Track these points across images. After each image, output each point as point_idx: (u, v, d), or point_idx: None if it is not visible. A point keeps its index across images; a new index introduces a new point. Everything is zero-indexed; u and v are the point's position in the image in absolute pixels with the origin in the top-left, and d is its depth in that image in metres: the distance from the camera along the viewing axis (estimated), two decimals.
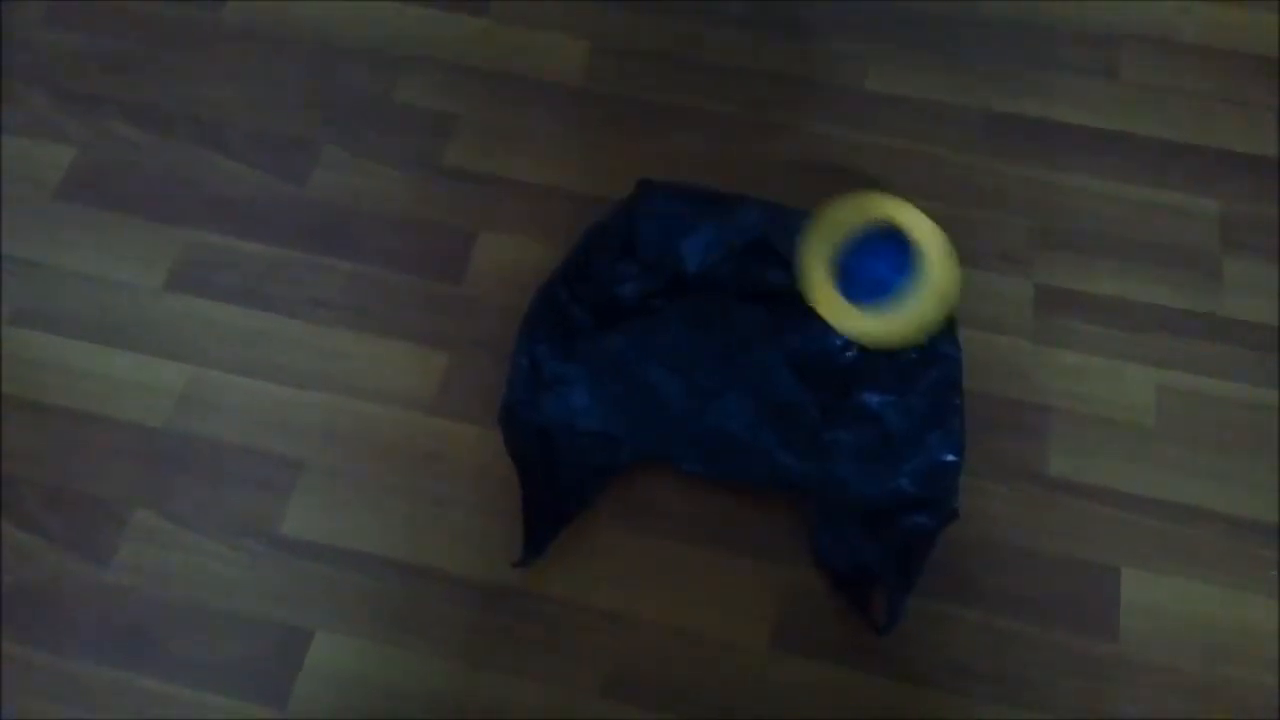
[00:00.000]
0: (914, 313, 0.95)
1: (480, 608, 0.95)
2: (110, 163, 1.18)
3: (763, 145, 1.20)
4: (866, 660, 0.93)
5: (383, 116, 1.21)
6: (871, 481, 0.98)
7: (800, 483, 0.98)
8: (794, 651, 0.94)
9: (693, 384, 1.01)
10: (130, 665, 0.93)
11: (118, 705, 0.91)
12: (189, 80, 1.24)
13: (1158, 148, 1.20)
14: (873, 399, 1.01)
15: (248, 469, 1.01)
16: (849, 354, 1.03)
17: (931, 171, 1.18)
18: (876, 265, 0.96)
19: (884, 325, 0.95)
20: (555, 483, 0.99)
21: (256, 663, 0.93)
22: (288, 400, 1.04)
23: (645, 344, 1.03)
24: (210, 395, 1.05)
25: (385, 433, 1.03)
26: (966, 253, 1.12)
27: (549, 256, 1.10)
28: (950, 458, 0.98)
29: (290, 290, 1.10)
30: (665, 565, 0.97)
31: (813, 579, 0.96)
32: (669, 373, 1.02)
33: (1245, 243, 1.14)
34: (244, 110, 1.22)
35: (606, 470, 0.99)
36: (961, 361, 1.03)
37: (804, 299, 0.99)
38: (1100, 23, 1.29)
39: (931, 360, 1.02)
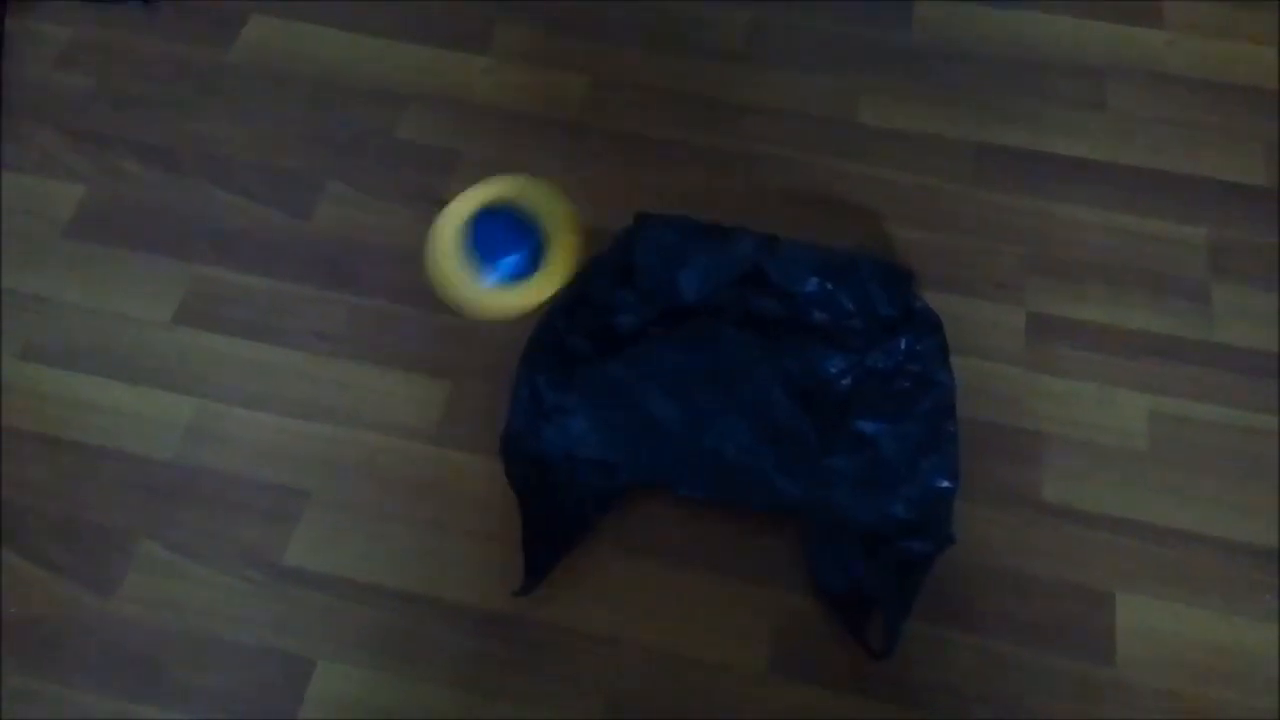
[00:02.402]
0: (549, 274, 1.02)
1: (481, 635, 0.96)
2: (119, 200, 1.21)
3: (757, 178, 1.22)
4: (863, 685, 0.94)
5: (386, 152, 1.24)
6: (867, 507, 0.99)
7: (797, 508, 0.99)
8: (791, 676, 0.94)
9: (690, 411, 1.03)
10: (134, 695, 0.94)
11: None
12: (196, 118, 1.26)
13: (1146, 177, 1.22)
14: (868, 425, 1.02)
15: (252, 500, 1.02)
16: (845, 381, 1.04)
17: (923, 202, 1.20)
18: (501, 249, 1.03)
19: (534, 290, 1.01)
20: (556, 511, 1.00)
21: (260, 692, 0.94)
22: (292, 431, 1.06)
23: (643, 372, 1.05)
24: (216, 427, 1.06)
25: (388, 463, 1.04)
26: (959, 281, 1.14)
27: None
28: (945, 484, 0.99)
29: (295, 323, 1.12)
30: (664, 591, 0.98)
31: (810, 604, 0.97)
32: (667, 400, 1.03)
33: (1233, 269, 1.15)
34: (249, 147, 1.24)
35: (606, 497, 1.00)
36: (955, 389, 1.04)
37: (792, 327, 1.01)
38: (1089, 55, 1.31)
39: (926, 387, 1.04)
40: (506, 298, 0.98)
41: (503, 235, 0.99)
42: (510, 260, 1.00)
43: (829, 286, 1.07)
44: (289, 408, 1.07)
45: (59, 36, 1.33)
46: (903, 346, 1.05)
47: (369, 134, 1.25)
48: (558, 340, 1.06)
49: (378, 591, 0.98)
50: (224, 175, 1.22)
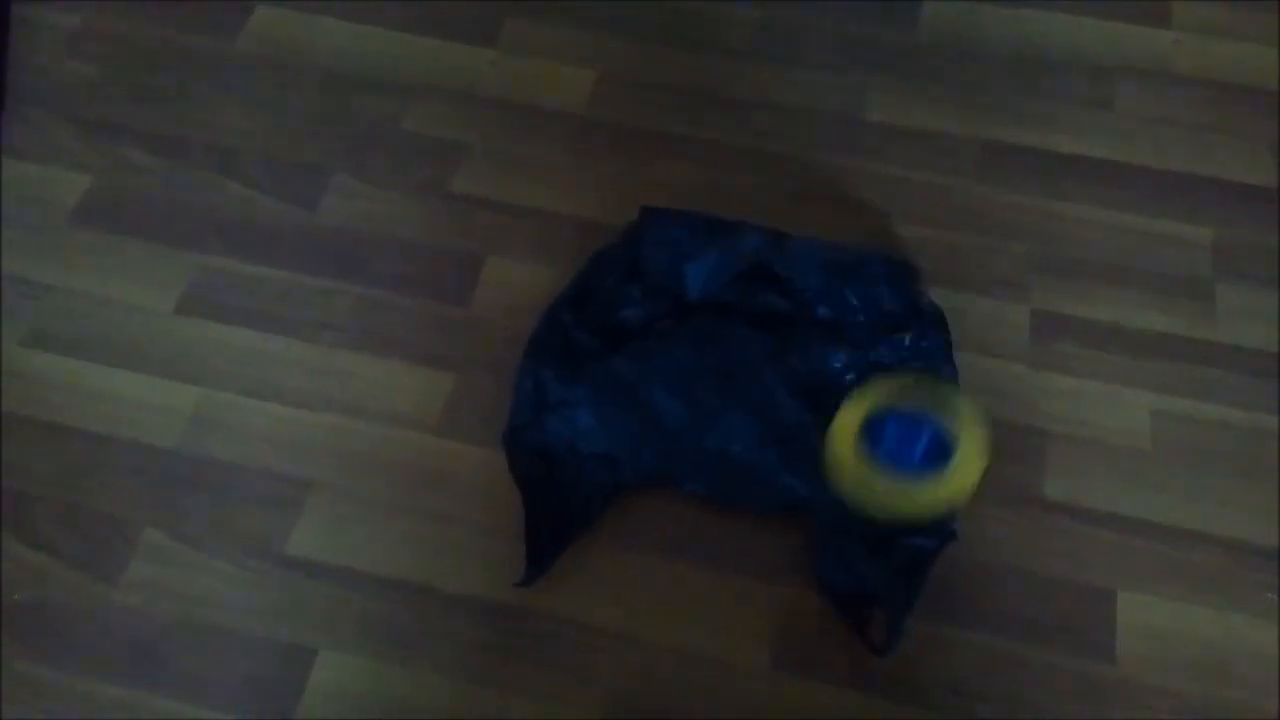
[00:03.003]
0: (932, 497, 0.90)
1: (483, 627, 0.96)
2: (124, 188, 1.21)
3: (764, 173, 1.22)
4: (866, 681, 0.94)
5: (392, 144, 1.24)
6: None
7: (801, 504, 0.99)
8: (794, 672, 0.94)
9: (695, 406, 1.03)
10: (137, 683, 0.94)
11: None
12: (203, 108, 1.26)
13: (1153, 177, 1.22)
14: None
15: (255, 489, 1.02)
16: (850, 377, 1.04)
17: (930, 199, 1.20)
18: (909, 445, 0.90)
19: (899, 500, 0.90)
20: (558, 504, 1.00)
21: (262, 681, 0.94)
22: (296, 421, 1.06)
23: (648, 367, 1.05)
24: (220, 416, 1.06)
25: (391, 453, 1.04)
26: (965, 279, 1.15)
27: (554, 281, 1.12)
28: None
29: (300, 313, 1.12)
30: (667, 586, 0.98)
31: (813, 600, 0.97)
32: (672, 395, 1.03)
33: (1238, 270, 1.15)
34: (256, 137, 1.24)
35: (609, 491, 1.01)
36: (960, 385, 1.04)
37: (798, 323, 0.98)
38: (1096, 55, 1.31)
39: None
40: (916, 495, 0.91)
41: (902, 432, 0.92)
42: (913, 457, 0.89)
43: (835, 282, 1.07)
44: (293, 397, 1.07)
45: (67, 24, 1.33)
46: (908, 343, 1.05)
47: (376, 125, 1.25)
48: (563, 334, 1.06)
49: (380, 582, 0.98)
50: (230, 165, 1.22)
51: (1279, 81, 1.29)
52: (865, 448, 0.90)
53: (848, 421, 0.91)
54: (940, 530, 0.98)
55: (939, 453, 0.89)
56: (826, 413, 1.02)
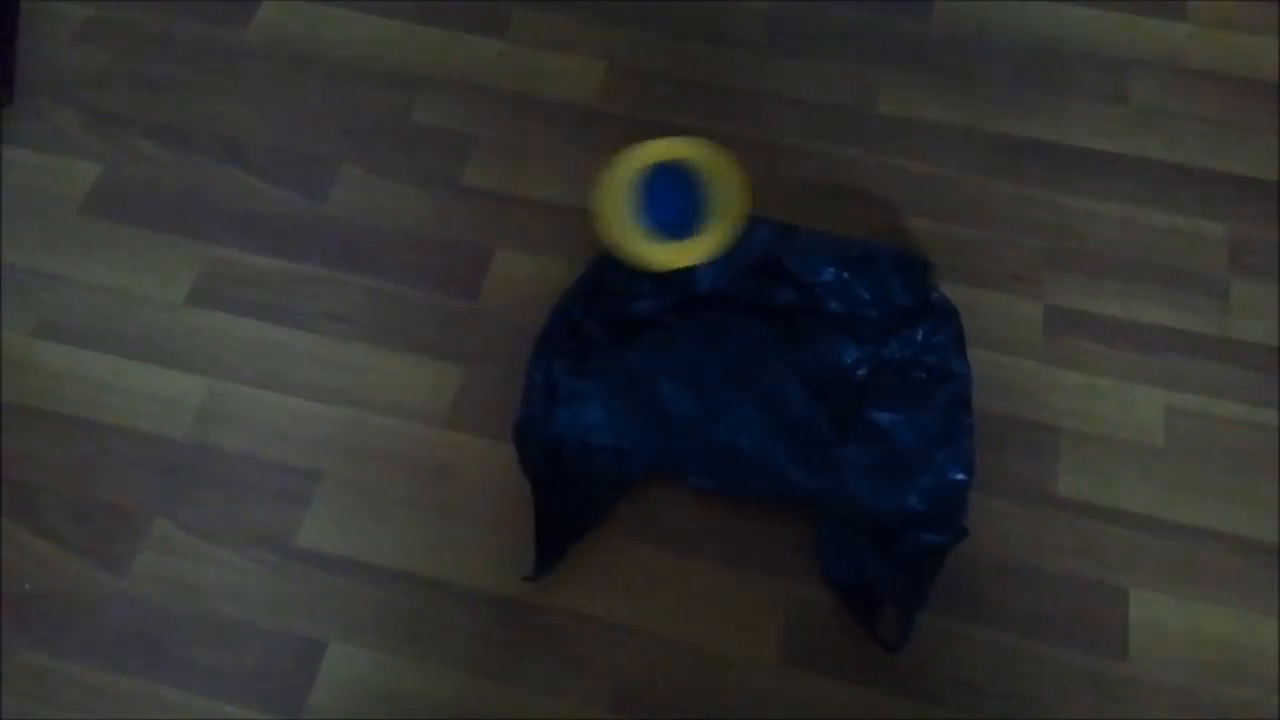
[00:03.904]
0: (715, 231, 0.99)
1: (492, 621, 0.96)
2: (134, 179, 1.20)
3: (775, 167, 1.21)
4: (875, 677, 0.93)
5: (401, 136, 1.23)
6: (881, 498, 0.98)
7: (810, 498, 0.99)
8: (803, 667, 0.94)
9: (705, 399, 1.02)
10: (146, 674, 0.94)
11: (133, 713, 0.92)
12: (212, 99, 1.26)
13: (1167, 171, 1.21)
14: (883, 416, 1.01)
15: (264, 481, 1.02)
16: (860, 371, 1.04)
17: (943, 193, 1.19)
18: (669, 207, 1.01)
19: (699, 247, 0.99)
20: (568, 498, 1.00)
21: (271, 673, 0.94)
22: (304, 413, 1.06)
23: (658, 360, 1.04)
24: (229, 408, 1.06)
25: (400, 446, 1.04)
26: (977, 273, 1.14)
27: (564, 274, 1.11)
28: (960, 476, 0.99)
29: (308, 305, 1.12)
30: (676, 580, 0.98)
31: (822, 595, 0.97)
32: (681, 388, 1.03)
33: (1253, 266, 1.15)
34: (265, 129, 1.24)
35: (619, 485, 1.00)
36: (972, 381, 1.04)
37: (808, 317, 1.00)
38: (1111, 48, 1.30)
39: (942, 379, 1.03)
40: (663, 252, 0.99)
41: (672, 193, 1.01)
42: (674, 217, 1.00)
43: (846, 276, 1.06)
44: (301, 389, 1.07)
45: (76, 15, 1.33)
46: (919, 338, 1.04)
47: (384, 117, 1.25)
48: (573, 326, 1.06)
49: (389, 574, 0.98)
50: (239, 156, 1.22)
51: None
52: (631, 205, 1.00)
53: (616, 180, 1.01)
54: (951, 526, 0.97)
55: (696, 208, 1.00)
56: (836, 406, 1.02)
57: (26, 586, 0.97)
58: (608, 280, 1.08)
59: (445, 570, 0.98)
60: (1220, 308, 1.12)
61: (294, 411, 1.06)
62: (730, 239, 0.99)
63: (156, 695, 0.93)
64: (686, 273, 1.08)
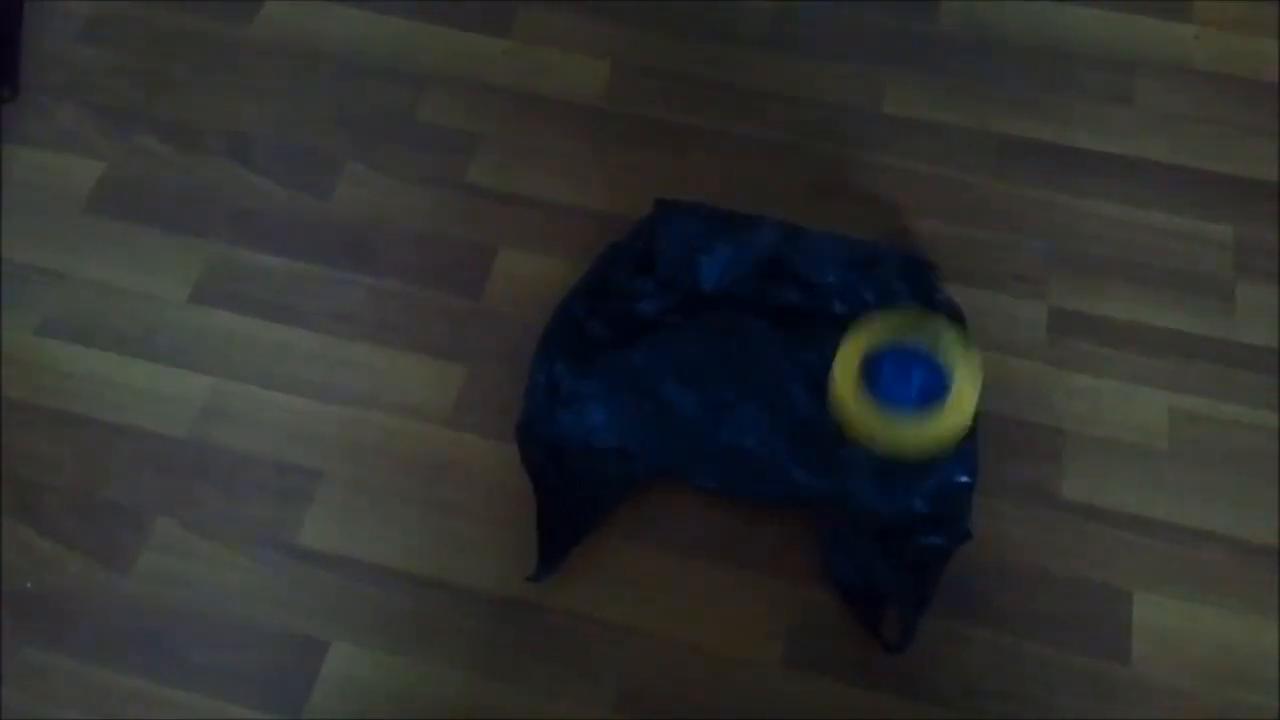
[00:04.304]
0: (935, 430, 0.94)
1: (495, 621, 0.96)
2: (138, 177, 1.20)
3: (779, 166, 1.21)
4: (878, 679, 0.93)
5: (405, 134, 1.23)
6: (885, 500, 0.98)
7: (814, 500, 0.99)
8: (806, 669, 0.94)
9: (708, 400, 1.02)
10: (148, 672, 0.94)
11: (134, 712, 0.92)
12: (216, 96, 1.26)
13: (1171, 173, 1.21)
14: None
15: (268, 480, 1.02)
16: None
17: (947, 194, 1.19)
18: (905, 382, 0.96)
19: (904, 435, 0.94)
20: (571, 498, 1.00)
21: (273, 672, 0.94)
22: (308, 412, 1.06)
23: (662, 360, 1.04)
24: (232, 406, 1.06)
25: (403, 445, 1.04)
26: (981, 275, 1.14)
27: (568, 273, 1.11)
28: (963, 478, 0.99)
29: (312, 303, 1.12)
30: (679, 581, 0.98)
31: (825, 597, 0.97)
32: (685, 389, 1.03)
33: (1258, 268, 1.14)
34: (269, 126, 1.24)
35: (622, 486, 1.00)
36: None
37: (813, 318, 1.00)
38: (1116, 49, 1.30)
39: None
40: (918, 429, 0.95)
41: (898, 370, 0.97)
42: (910, 394, 0.95)
43: (850, 277, 1.06)
44: (305, 388, 1.07)
45: (80, 12, 1.32)
46: None
47: (389, 115, 1.25)
48: (576, 326, 1.06)
49: (392, 574, 0.98)
50: (243, 154, 1.22)
51: None
52: (864, 388, 0.94)
53: (846, 362, 0.96)
54: (954, 528, 0.97)
55: (935, 385, 0.94)
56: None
57: (28, 585, 0.97)
58: (611, 280, 1.08)
59: (448, 570, 0.98)
60: (1224, 310, 1.12)
61: (297, 410, 1.06)
62: (956, 436, 0.94)
63: (158, 693, 0.93)
64: (690, 273, 1.08)
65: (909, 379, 0.95)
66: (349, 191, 1.19)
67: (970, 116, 1.24)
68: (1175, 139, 1.23)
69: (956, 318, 1.05)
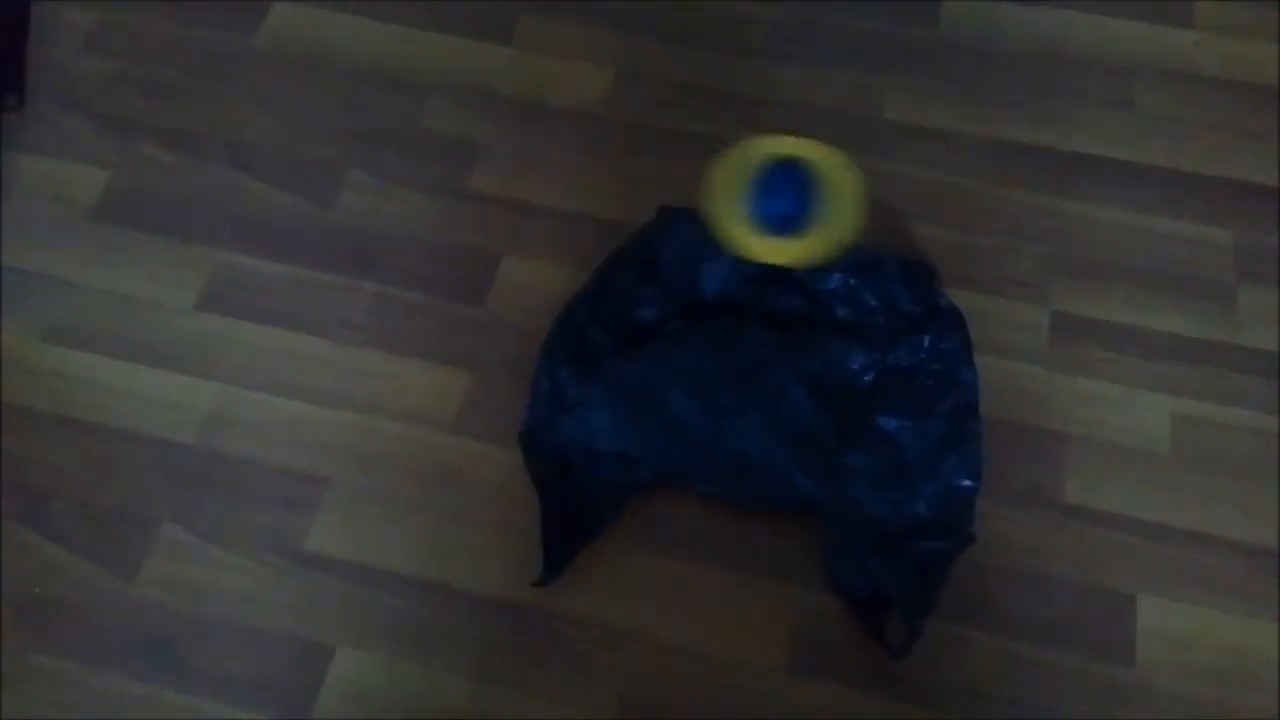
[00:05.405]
0: (828, 230, 1.01)
1: (499, 626, 0.96)
2: (143, 185, 1.21)
3: None
4: (882, 683, 0.94)
5: (409, 142, 1.24)
6: (888, 505, 0.99)
7: (816, 505, 0.99)
8: (810, 674, 0.94)
9: (711, 406, 1.03)
10: (154, 678, 0.94)
11: (141, 717, 0.93)
12: (221, 105, 1.27)
13: (1173, 178, 1.21)
14: (890, 423, 1.02)
15: (273, 486, 1.03)
16: (867, 378, 1.04)
17: (949, 200, 1.19)
18: (780, 200, 1.02)
19: (803, 248, 1.00)
20: (575, 504, 1.00)
21: (279, 678, 0.94)
22: (313, 418, 1.06)
23: (664, 367, 1.05)
24: (238, 413, 1.06)
25: (407, 452, 1.05)
26: (983, 280, 1.14)
27: (571, 280, 1.11)
28: (967, 483, 0.99)
29: (317, 311, 1.12)
30: (682, 586, 0.98)
31: (829, 602, 0.97)
32: (687, 395, 1.03)
33: (1259, 273, 1.15)
34: (274, 134, 1.24)
35: (625, 492, 1.00)
36: (978, 387, 1.04)
37: (814, 324, 1.01)
38: (1117, 55, 1.30)
39: (949, 385, 1.03)
40: (764, 245, 1.00)
41: (785, 189, 1.01)
42: (782, 213, 1.01)
43: (852, 283, 1.07)
44: (310, 395, 1.07)
45: (85, 22, 1.33)
46: (926, 344, 1.04)
47: (393, 123, 1.25)
48: (579, 333, 1.06)
49: (397, 579, 0.98)
50: (248, 162, 1.22)
51: None
52: (740, 201, 1.01)
53: (727, 172, 1.02)
54: (957, 533, 0.97)
55: (806, 203, 1.01)
56: (842, 413, 1.02)
57: (36, 590, 0.98)
58: (614, 287, 1.09)
59: (452, 576, 0.98)
60: (1227, 314, 1.12)
61: (302, 417, 1.06)
62: (834, 249, 0.99)
63: (164, 699, 0.93)
64: (692, 279, 1.08)
65: (785, 195, 1.02)
66: (353, 199, 1.20)
67: (971, 122, 1.25)
68: (1176, 144, 1.23)
69: (958, 321, 1.06)
